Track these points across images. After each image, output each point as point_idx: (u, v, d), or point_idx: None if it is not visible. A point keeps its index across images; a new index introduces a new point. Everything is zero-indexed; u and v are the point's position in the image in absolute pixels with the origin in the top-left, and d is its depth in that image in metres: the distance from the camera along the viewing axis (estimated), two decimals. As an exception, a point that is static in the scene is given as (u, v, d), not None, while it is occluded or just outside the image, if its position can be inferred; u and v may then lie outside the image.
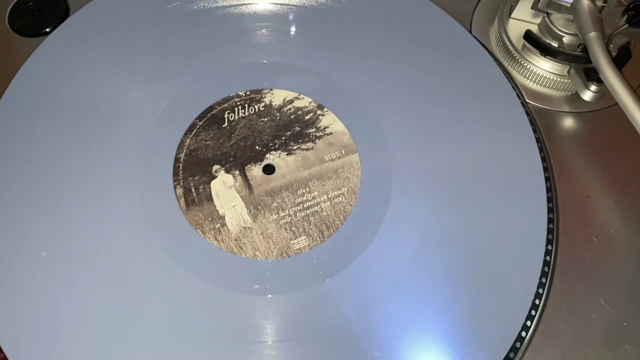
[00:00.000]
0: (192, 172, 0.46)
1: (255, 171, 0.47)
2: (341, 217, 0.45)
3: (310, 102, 0.49)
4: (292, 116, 0.49)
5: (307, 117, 0.49)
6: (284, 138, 0.48)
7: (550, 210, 0.46)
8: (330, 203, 0.46)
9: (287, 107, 0.49)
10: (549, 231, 0.45)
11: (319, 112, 0.49)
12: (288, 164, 0.47)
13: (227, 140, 0.48)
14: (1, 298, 0.41)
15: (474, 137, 0.48)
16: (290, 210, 0.45)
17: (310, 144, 0.48)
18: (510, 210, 0.45)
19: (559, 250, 0.46)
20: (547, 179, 0.47)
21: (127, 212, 0.44)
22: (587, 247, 0.46)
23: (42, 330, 0.41)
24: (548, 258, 0.45)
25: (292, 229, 0.45)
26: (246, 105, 0.49)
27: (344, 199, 0.46)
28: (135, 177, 0.46)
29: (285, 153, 0.48)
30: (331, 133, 0.48)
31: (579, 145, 0.51)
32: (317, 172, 0.47)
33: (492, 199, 0.46)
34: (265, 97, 0.50)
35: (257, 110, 0.49)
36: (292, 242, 0.44)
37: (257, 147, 0.48)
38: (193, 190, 0.46)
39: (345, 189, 0.46)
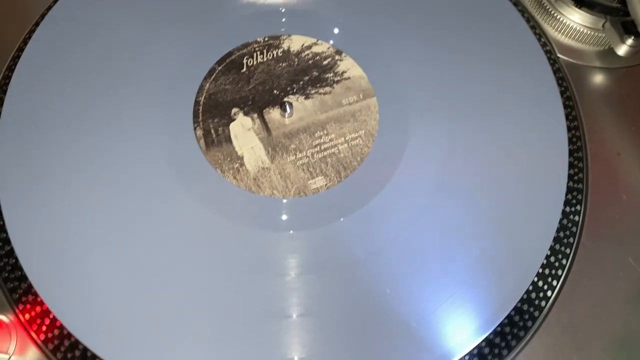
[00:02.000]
0: (212, 114, 0.47)
1: (273, 114, 0.48)
2: (358, 158, 0.45)
3: (329, 48, 0.50)
4: (310, 61, 0.49)
5: (325, 62, 0.49)
6: (301, 82, 0.49)
7: (579, 168, 0.45)
8: (348, 145, 0.46)
9: (305, 53, 0.50)
10: (578, 190, 0.45)
11: (337, 57, 0.49)
12: (306, 108, 0.48)
13: (245, 84, 0.49)
14: (36, 245, 0.43)
15: (498, 86, 0.47)
16: (308, 151, 0.46)
17: (328, 89, 0.48)
18: (536, 167, 0.45)
19: (588, 209, 0.45)
20: (576, 136, 0.46)
21: (150, 153, 0.45)
22: (616, 205, 0.46)
23: (74, 272, 0.42)
24: (577, 218, 0.45)
25: (310, 169, 0.45)
26: (264, 51, 0.50)
27: (361, 141, 0.46)
28: (157, 119, 0.47)
29: (303, 97, 0.48)
30: (349, 78, 0.49)
31: (611, 101, 0.50)
32: (335, 115, 0.47)
33: (517, 154, 0.45)
34: (283, 43, 0.50)
35: (275, 55, 0.50)
36: (309, 182, 0.45)
37: (275, 92, 0.48)
38: (212, 131, 0.47)
39: (363, 131, 0.46)
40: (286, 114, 0.47)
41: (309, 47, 0.50)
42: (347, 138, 0.46)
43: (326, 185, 0.45)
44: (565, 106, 0.47)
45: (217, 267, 0.42)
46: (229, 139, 0.47)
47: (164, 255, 0.42)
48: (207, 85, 0.48)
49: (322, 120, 0.47)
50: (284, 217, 0.44)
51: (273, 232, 0.43)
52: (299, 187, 0.45)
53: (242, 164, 0.46)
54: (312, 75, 0.49)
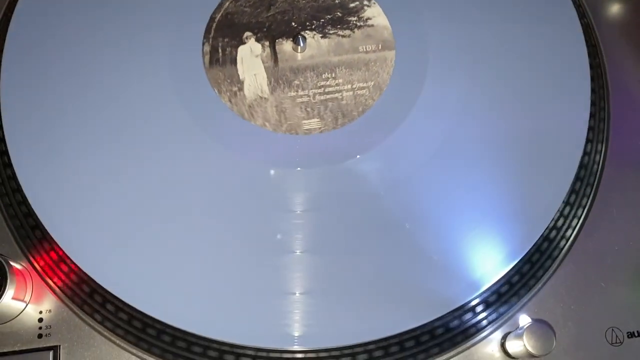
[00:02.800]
0: (224, 33, 0.45)
1: (285, 46, 0.45)
2: (360, 109, 0.43)
3: (359, -10, 0.47)
4: (337, 0, 0.47)
5: (352, 4, 0.47)
6: (322, 20, 0.46)
7: (600, 98, 0.44)
8: (353, 93, 0.44)
9: (334, -9, 0.47)
10: (601, 119, 0.43)
11: (365, 2, 0.47)
12: (320, 46, 0.45)
13: (265, 10, 0.46)
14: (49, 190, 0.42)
15: (516, 27, 0.45)
16: (310, 91, 0.44)
17: (347, 32, 0.46)
18: (556, 101, 0.43)
19: (611, 138, 0.44)
20: (596, 64, 0.45)
21: (155, 61, 0.44)
22: (639, 133, 0.45)
23: (88, 215, 0.41)
24: (600, 147, 0.43)
25: (307, 109, 0.43)
26: (293, -20, 0.47)
27: (367, 93, 0.44)
28: (170, 29, 0.45)
29: (320, 35, 0.46)
30: (372, 25, 0.46)
31: (630, 27, 0.48)
32: (348, 60, 0.45)
33: (534, 94, 0.43)
34: (314, -24, 0.48)
35: (302, -13, 0.47)
36: (303, 122, 0.43)
37: (293, 24, 0.46)
38: (220, 50, 0.45)
39: (372, 83, 0.44)
40: (299, 47, 0.45)
41: (340, -15, 0.47)
42: (354, 86, 0.44)
43: (320, 128, 0.43)
44: (586, 41, 0.45)
45: (211, 191, 0.41)
46: (234, 61, 0.45)
47: (167, 182, 0.41)
48: (227, 3, 0.46)
49: (334, 62, 0.45)
50: (269, 150, 0.42)
51: (257, 162, 0.42)
52: (292, 125, 0.43)
53: (240, 89, 0.44)
54: (335, 14, 0.46)
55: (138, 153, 0.42)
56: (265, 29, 0.46)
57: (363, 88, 0.44)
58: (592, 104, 0.43)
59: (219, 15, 0.46)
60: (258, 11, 0.46)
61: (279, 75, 0.44)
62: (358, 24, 0.46)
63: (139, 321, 0.40)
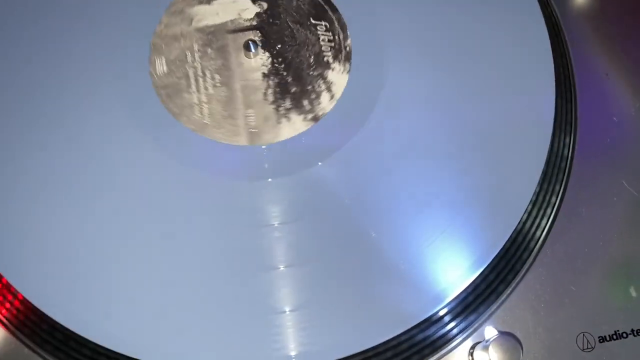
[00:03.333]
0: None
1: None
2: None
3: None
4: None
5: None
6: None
7: (567, 92, 0.43)
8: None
9: None
10: (568, 111, 0.42)
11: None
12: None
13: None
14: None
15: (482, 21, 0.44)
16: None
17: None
18: (522, 94, 0.42)
19: (579, 135, 0.43)
20: (563, 63, 0.44)
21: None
22: (607, 128, 0.44)
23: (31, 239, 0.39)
24: (568, 140, 0.43)
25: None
26: None
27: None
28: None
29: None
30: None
31: (596, 20, 0.47)
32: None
33: (500, 80, 0.42)
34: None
35: None
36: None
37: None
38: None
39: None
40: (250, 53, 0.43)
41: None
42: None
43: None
44: (550, 32, 0.44)
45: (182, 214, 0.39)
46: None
47: (131, 206, 0.39)
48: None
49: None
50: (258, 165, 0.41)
51: (248, 181, 0.40)
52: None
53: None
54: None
55: (88, 178, 0.40)
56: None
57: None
58: (559, 95, 0.42)
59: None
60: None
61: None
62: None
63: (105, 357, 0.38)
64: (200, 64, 0.43)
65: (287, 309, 0.37)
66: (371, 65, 0.43)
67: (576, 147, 0.43)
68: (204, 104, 0.42)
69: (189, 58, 0.43)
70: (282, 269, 0.38)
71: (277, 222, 0.39)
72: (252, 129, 0.41)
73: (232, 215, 0.39)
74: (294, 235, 0.39)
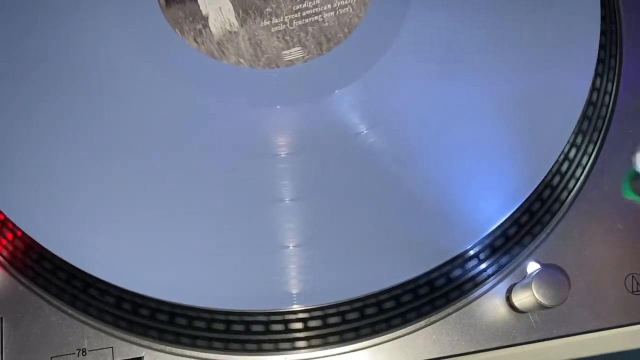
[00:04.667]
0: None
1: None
2: (345, 29, 0.38)
3: None
4: None
5: None
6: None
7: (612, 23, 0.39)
8: (335, 14, 0.39)
9: None
10: (612, 56, 0.39)
11: None
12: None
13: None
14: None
15: None
16: (286, 17, 0.39)
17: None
18: (563, 30, 0.38)
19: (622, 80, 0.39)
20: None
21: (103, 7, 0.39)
22: None
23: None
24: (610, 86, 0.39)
25: (286, 38, 0.38)
26: None
27: (351, 10, 0.39)
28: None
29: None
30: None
31: None
32: None
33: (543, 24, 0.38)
34: None
35: None
36: (283, 53, 0.38)
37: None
38: (177, -16, 0.40)
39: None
40: None
41: None
42: (334, 5, 0.39)
43: (303, 57, 0.38)
44: None
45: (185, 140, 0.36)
46: (195, -5, 0.40)
47: (128, 135, 0.36)
48: None
49: None
50: (250, 88, 0.37)
51: (234, 106, 0.37)
52: (271, 57, 0.38)
53: (205, 25, 0.39)
54: None
55: (95, 106, 0.37)
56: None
57: (345, 6, 0.39)
58: (602, 33, 0.39)
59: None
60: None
61: (248, 4, 0.39)
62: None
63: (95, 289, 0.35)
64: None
65: (291, 245, 0.34)
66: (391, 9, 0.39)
67: (621, 79, 0.39)
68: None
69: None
70: (300, 201, 0.35)
71: (292, 152, 0.36)
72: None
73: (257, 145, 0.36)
74: (313, 166, 0.36)
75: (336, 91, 0.37)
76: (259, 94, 0.37)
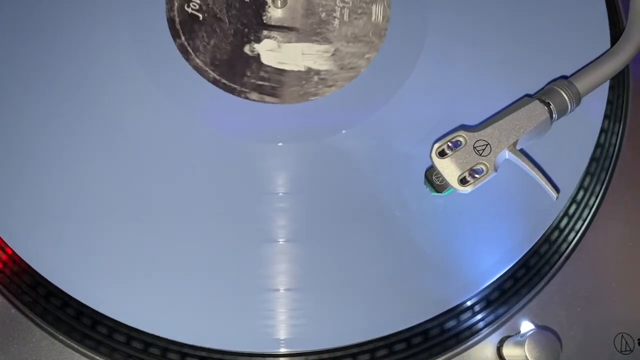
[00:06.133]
0: None
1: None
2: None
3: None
4: None
5: None
6: None
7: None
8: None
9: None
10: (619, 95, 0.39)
11: None
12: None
13: None
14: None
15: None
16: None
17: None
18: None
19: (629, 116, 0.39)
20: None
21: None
22: None
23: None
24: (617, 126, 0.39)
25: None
26: None
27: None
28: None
29: None
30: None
31: None
32: None
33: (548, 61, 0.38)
34: None
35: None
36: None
37: None
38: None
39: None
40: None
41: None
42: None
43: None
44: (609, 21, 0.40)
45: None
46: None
47: (132, 156, 0.36)
48: None
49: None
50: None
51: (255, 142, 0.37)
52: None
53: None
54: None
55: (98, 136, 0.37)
56: None
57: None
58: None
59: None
60: None
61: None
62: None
63: (89, 318, 0.35)
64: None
65: (312, 288, 0.34)
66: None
67: (624, 137, 0.39)
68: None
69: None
70: (292, 243, 0.35)
71: (287, 191, 0.36)
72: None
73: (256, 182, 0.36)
74: (307, 209, 0.36)
75: (343, 131, 0.37)
76: (261, 128, 0.37)
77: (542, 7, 0.40)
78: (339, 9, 0.40)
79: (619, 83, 0.41)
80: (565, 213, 0.37)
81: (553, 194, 0.34)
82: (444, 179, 0.34)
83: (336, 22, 0.39)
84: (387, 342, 0.35)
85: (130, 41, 0.38)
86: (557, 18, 0.39)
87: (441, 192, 0.35)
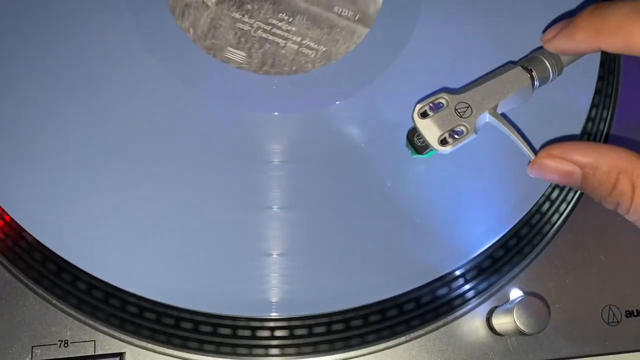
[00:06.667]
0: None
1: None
2: (294, 67, 0.38)
3: None
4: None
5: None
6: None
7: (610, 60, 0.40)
8: (297, 48, 0.39)
9: None
10: (609, 83, 0.40)
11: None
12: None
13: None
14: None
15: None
16: (256, 23, 0.39)
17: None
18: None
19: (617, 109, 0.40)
20: None
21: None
22: None
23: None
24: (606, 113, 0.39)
25: (241, 38, 0.39)
26: None
27: (313, 55, 0.39)
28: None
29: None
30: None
31: None
32: (315, 13, 0.40)
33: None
34: None
35: None
36: (228, 48, 0.38)
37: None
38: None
39: (323, 49, 0.39)
40: None
41: None
42: (303, 41, 0.39)
43: (240, 64, 0.38)
44: None
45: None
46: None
47: (127, 128, 0.36)
48: None
49: (300, 7, 0.40)
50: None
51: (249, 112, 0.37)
52: (215, 45, 0.38)
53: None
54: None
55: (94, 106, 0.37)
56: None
57: (311, 49, 0.39)
58: (601, 64, 0.39)
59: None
60: None
61: (233, -10, 0.39)
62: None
63: (84, 283, 0.36)
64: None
65: (304, 253, 0.35)
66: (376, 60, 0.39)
67: (614, 121, 0.40)
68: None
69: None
70: (284, 210, 0.36)
71: (285, 160, 0.36)
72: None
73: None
74: (304, 177, 0.36)
75: (337, 102, 0.37)
76: (257, 99, 0.37)
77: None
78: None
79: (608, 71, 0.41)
80: (557, 185, 0.37)
81: (531, 155, 0.34)
82: (424, 140, 0.34)
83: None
84: (381, 307, 0.35)
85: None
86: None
87: (422, 154, 0.35)
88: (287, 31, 0.39)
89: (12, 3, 0.38)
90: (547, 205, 0.37)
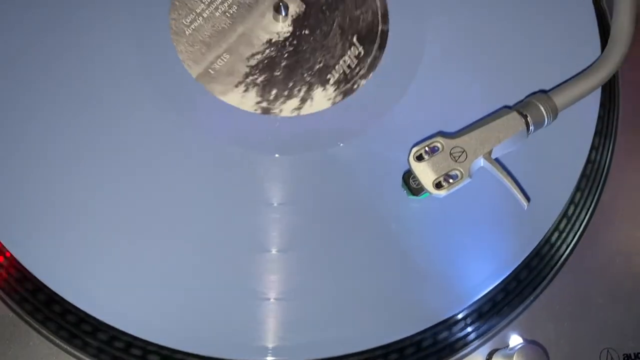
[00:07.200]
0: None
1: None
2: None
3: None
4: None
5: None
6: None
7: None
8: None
9: None
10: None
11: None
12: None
13: None
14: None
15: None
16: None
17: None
18: None
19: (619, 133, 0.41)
20: None
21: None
22: None
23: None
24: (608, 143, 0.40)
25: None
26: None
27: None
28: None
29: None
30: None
31: None
32: None
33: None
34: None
35: None
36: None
37: None
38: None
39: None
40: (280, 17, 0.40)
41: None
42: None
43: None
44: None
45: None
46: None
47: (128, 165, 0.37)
48: None
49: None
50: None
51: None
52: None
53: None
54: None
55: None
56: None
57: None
58: (602, 90, 0.40)
59: None
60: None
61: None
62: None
63: (89, 324, 0.36)
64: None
65: (306, 297, 0.35)
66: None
67: (614, 155, 0.41)
68: (200, 17, 0.40)
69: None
70: (285, 253, 0.36)
71: (285, 202, 0.37)
72: (210, 69, 0.39)
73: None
74: (301, 220, 0.36)
75: (340, 144, 0.38)
76: (258, 140, 0.38)
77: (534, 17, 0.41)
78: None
79: (610, 99, 0.42)
80: (556, 228, 0.38)
81: (524, 202, 0.35)
82: (420, 183, 0.35)
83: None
84: (383, 352, 0.35)
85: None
86: (549, 29, 0.41)
87: (417, 195, 0.36)
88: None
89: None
90: (546, 247, 0.38)
